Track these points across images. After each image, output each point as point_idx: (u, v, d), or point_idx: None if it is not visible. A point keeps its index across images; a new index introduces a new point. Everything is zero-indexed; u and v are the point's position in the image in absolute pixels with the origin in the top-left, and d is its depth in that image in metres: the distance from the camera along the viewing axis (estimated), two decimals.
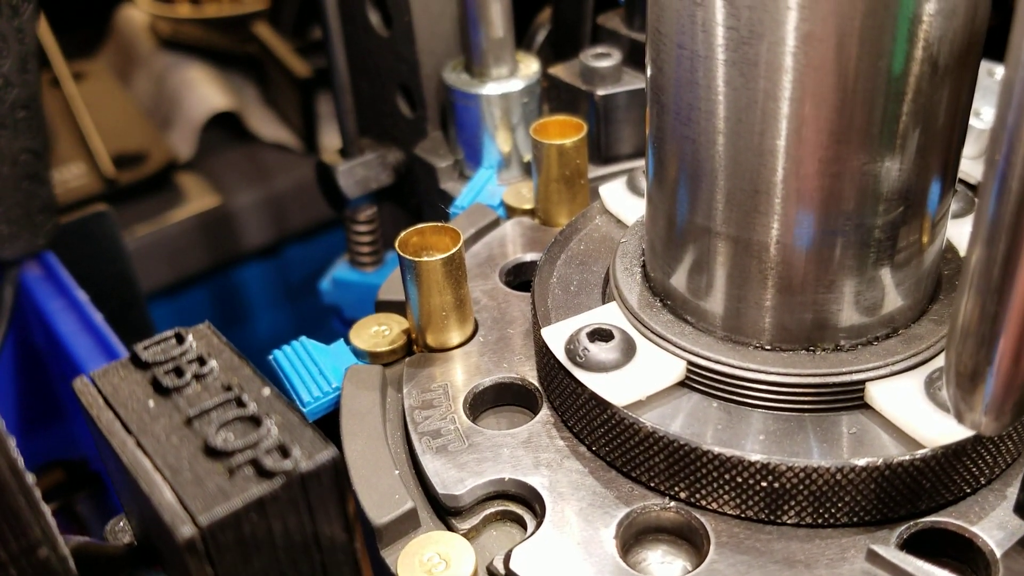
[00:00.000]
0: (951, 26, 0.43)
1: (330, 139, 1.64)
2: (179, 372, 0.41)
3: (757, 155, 0.47)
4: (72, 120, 1.64)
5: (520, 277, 0.71)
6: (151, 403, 0.40)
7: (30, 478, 0.35)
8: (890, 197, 0.48)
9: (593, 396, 0.53)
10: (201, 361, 0.41)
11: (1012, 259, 0.36)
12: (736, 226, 0.50)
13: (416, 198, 0.89)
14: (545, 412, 0.58)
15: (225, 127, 1.66)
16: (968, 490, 0.50)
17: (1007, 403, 0.40)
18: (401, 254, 0.60)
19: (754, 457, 0.48)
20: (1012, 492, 0.51)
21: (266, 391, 0.40)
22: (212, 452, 0.37)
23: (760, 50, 0.44)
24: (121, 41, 1.86)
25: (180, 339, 0.43)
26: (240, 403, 0.39)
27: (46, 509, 0.36)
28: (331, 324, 1.02)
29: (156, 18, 1.76)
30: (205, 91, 1.69)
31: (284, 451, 0.37)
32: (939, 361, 0.52)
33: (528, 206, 0.75)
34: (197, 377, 0.41)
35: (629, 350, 0.54)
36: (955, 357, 0.41)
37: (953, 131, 0.48)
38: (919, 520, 0.50)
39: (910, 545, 0.49)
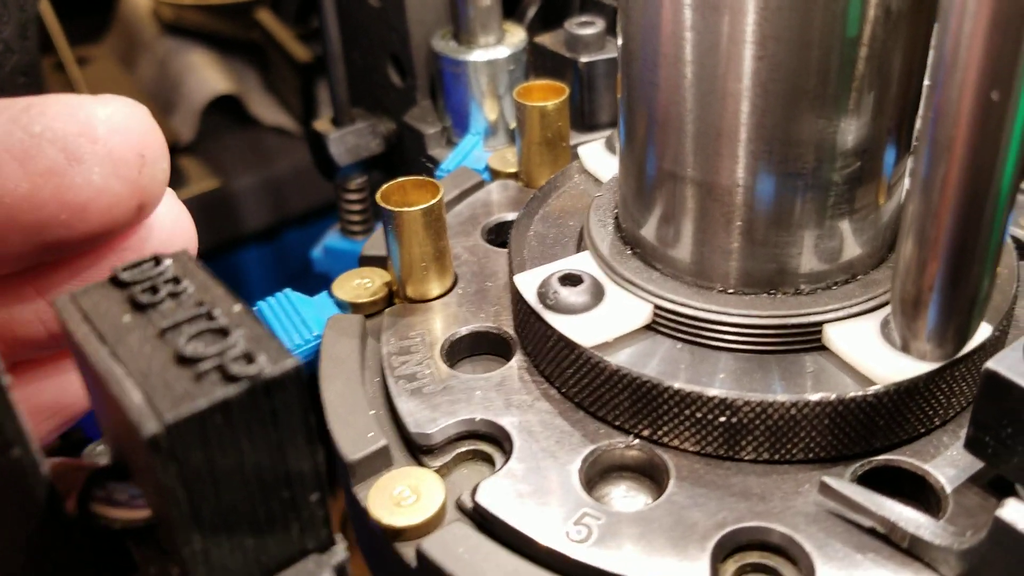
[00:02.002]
0: None
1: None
2: (154, 290, 0.43)
3: (720, 98, 0.49)
4: None
5: (502, 236, 0.72)
6: (127, 318, 0.42)
7: (6, 379, 0.37)
8: (848, 148, 0.50)
9: (562, 338, 0.54)
10: (176, 281, 0.43)
11: (946, 189, 0.37)
12: (701, 170, 0.51)
13: (406, 167, 0.91)
14: (519, 358, 0.59)
15: (226, 111, 1.68)
16: (922, 430, 0.52)
17: (948, 328, 0.42)
18: (382, 205, 0.62)
19: (712, 392, 0.50)
20: (964, 434, 0.52)
21: (236, 307, 0.41)
22: (182, 360, 0.39)
23: None
24: (125, 27, 1.88)
25: (157, 262, 0.44)
26: (210, 317, 0.41)
27: (21, 411, 0.38)
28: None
29: (160, 4, 1.78)
30: (207, 74, 1.71)
31: (250, 358, 0.38)
32: None
33: (512, 169, 0.77)
34: (172, 295, 0.42)
35: (598, 293, 0.56)
36: (899, 286, 0.42)
37: (910, 82, 0.50)
38: (873, 458, 0.51)
39: (864, 481, 0.51)
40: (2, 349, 0.50)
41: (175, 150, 1.63)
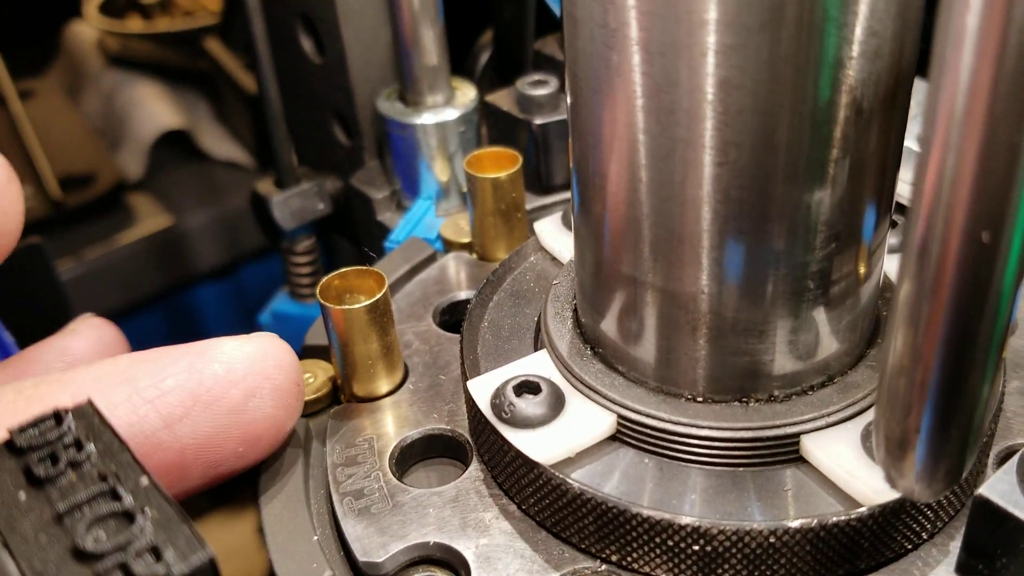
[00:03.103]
0: (875, 68, 0.41)
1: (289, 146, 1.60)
2: (54, 459, 0.38)
3: (679, 204, 0.44)
4: (18, 141, 1.60)
5: (456, 316, 0.68)
6: (22, 495, 0.37)
7: None
8: (819, 244, 0.46)
9: (519, 455, 0.50)
10: (78, 446, 0.39)
11: (930, 335, 0.33)
12: (662, 276, 0.47)
13: (354, 228, 0.86)
14: (475, 466, 0.55)
15: (176, 145, 1.63)
16: (909, 546, 0.48)
17: (938, 470, 0.38)
18: (322, 302, 0.57)
19: (684, 520, 0.46)
20: (955, 547, 0.48)
21: (144, 480, 0.37)
22: (81, 555, 0.34)
23: (677, 98, 0.41)
24: (70, 58, 1.82)
25: (59, 420, 0.40)
26: (115, 495, 0.36)
27: None
28: None
29: (106, 34, 1.72)
30: (155, 109, 1.65)
31: (156, 553, 0.34)
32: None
33: (466, 239, 0.72)
34: (72, 465, 0.38)
35: (557, 404, 0.52)
36: (883, 423, 0.38)
37: (884, 177, 0.46)
38: None
39: None
40: None
41: (124, 188, 1.57)
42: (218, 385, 0.47)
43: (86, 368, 0.48)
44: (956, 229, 0.32)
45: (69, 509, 0.36)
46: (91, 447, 0.39)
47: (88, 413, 0.41)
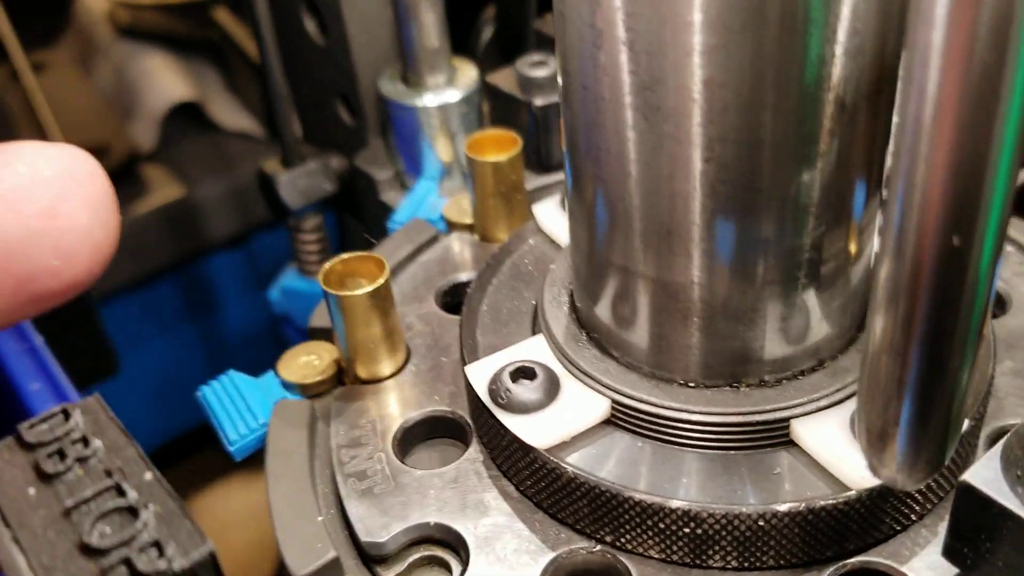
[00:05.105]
0: (858, 64, 0.42)
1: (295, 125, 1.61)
2: (62, 455, 0.40)
3: (668, 198, 0.45)
4: (32, 114, 1.61)
5: (457, 298, 0.69)
6: (32, 491, 0.39)
7: None
8: (807, 232, 0.46)
9: (515, 439, 0.51)
10: (85, 442, 0.40)
11: (906, 332, 0.34)
12: (653, 266, 0.48)
13: (359, 207, 0.87)
14: (475, 447, 0.56)
15: (187, 116, 1.64)
16: (898, 528, 0.49)
17: (919, 460, 0.39)
18: (324, 288, 0.58)
19: (675, 504, 0.47)
20: (944, 528, 0.49)
21: (148, 476, 0.39)
22: (87, 550, 0.36)
23: (663, 95, 0.42)
24: (81, 30, 1.83)
25: (67, 415, 0.42)
26: (120, 491, 0.38)
27: None
28: (285, 332, 1.00)
29: (116, 6, 1.72)
30: (166, 80, 1.66)
31: (159, 548, 0.36)
32: None
33: (469, 220, 0.73)
34: (80, 460, 0.40)
35: (552, 389, 0.53)
36: (863, 415, 0.39)
37: (871, 169, 0.47)
38: (847, 561, 0.49)
39: None
40: None
41: (136, 159, 1.58)
42: (22, 184, 0.43)
43: None
44: (928, 233, 0.33)
45: (76, 504, 0.38)
46: (97, 443, 0.40)
47: (95, 408, 0.42)
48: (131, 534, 0.36)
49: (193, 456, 1.46)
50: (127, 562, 0.35)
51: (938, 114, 0.29)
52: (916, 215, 0.32)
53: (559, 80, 0.48)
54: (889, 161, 0.34)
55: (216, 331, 1.63)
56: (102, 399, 0.43)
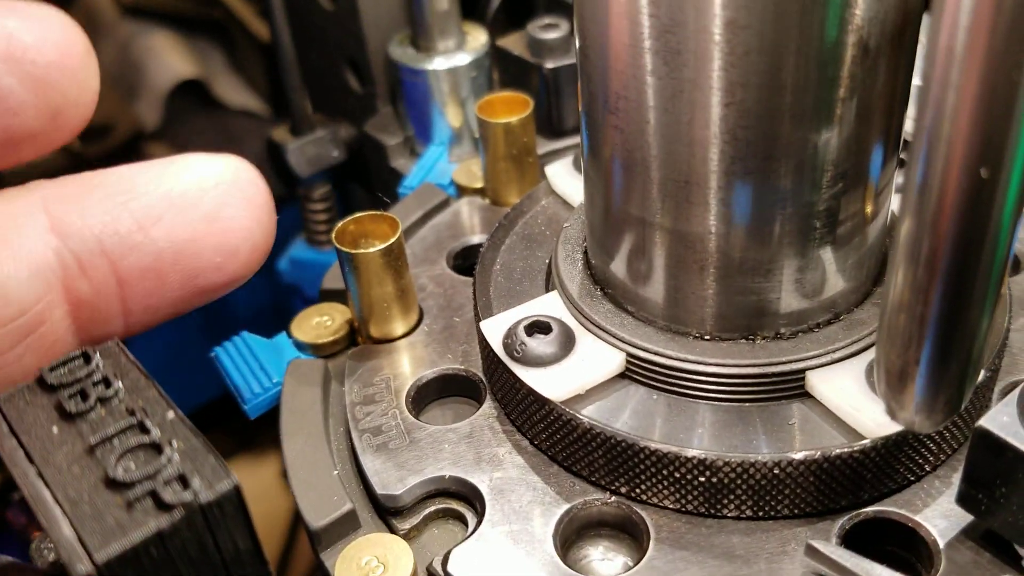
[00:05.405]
0: (882, 6, 0.42)
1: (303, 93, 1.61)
2: (84, 395, 0.40)
3: (687, 145, 0.45)
4: None
5: (469, 260, 0.69)
6: (55, 429, 0.39)
7: None
8: (826, 184, 0.46)
9: (531, 392, 0.51)
10: (107, 383, 0.40)
11: (929, 270, 0.34)
12: (671, 217, 0.48)
13: (369, 176, 0.87)
14: (489, 404, 0.57)
15: (191, 94, 1.63)
16: (912, 478, 0.49)
17: (937, 402, 0.39)
18: (338, 246, 0.58)
19: (691, 453, 0.47)
20: (957, 479, 0.50)
21: (170, 414, 0.39)
22: (112, 483, 0.36)
23: (683, 39, 0.42)
24: (85, 8, 1.82)
25: (87, 358, 0.42)
26: (143, 428, 0.38)
27: None
28: (293, 303, 1.00)
29: None
30: (170, 58, 1.65)
31: (184, 481, 0.36)
32: None
33: (479, 184, 0.73)
34: (101, 400, 0.40)
35: (568, 343, 0.53)
36: (883, 356, 0.39)
37: (891, 116, 0.47)
38: (861, 510, 0.49)
39: (853, 535, 0.49)
40: None
41: (141, 137, 1.58)
42: (191, 191, 0.47)
43: (60, 179, 0.50)
44: (955, 165, 0.33)
45: (100, 442, 0.38)
46: (119, 384, 0.40)
47: (115, 352, 0.42)
48: (156, 468, 0.36)
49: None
50: (153, 494, 0.35)
51: (970, 39, 0.29)
52: (944, 146, 0.32)
53: (575, 27, 0.48)
54: (912, 109, 0.34)
55: (222, 311, 1.63)
56: (121, 343, 0.43)
